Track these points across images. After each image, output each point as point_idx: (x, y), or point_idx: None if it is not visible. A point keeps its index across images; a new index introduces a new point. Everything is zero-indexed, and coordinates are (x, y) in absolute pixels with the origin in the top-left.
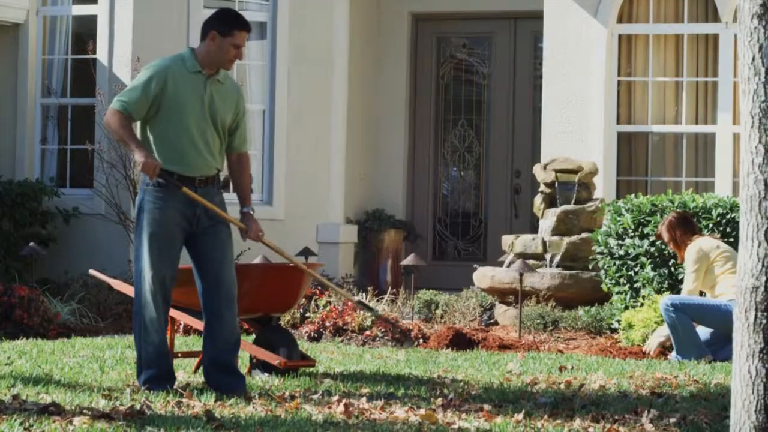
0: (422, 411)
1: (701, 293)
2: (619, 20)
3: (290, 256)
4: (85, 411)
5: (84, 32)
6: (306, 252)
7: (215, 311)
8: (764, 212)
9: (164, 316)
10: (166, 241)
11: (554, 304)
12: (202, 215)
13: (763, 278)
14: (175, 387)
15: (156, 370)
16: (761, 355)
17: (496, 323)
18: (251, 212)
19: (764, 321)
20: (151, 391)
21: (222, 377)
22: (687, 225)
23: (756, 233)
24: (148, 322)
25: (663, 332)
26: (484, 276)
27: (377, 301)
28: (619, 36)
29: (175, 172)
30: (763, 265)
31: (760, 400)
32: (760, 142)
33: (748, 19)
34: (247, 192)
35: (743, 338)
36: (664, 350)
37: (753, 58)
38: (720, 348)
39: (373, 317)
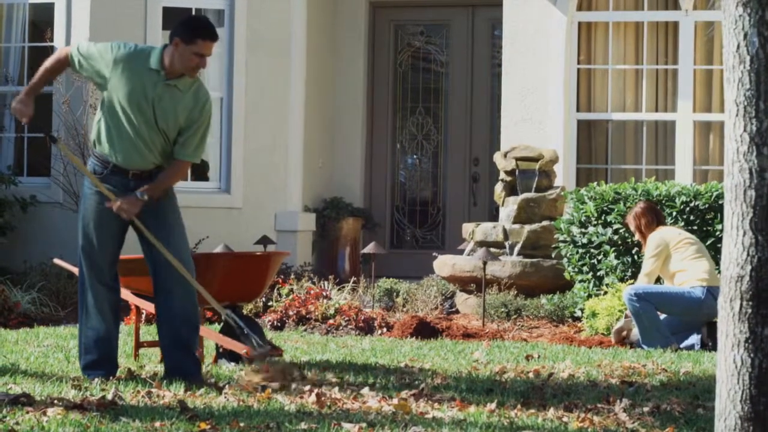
0: (395, 401)
1: (658, 280)
2: (579, 8)
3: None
4: (56, 402)
5: (41, 20)
6: (265, 240)
7: (164, 289)
8: (749, 201)
9: (108, 302)
10: (99, 225)
11: (516, 292)
12: None
13: (748, 267)
14: (117, 376)
15: (94, 356)
16: (746, 344)
17: (457, 312)
18: (138, 196)
19: (749, 310)
20: (90, 378)
21: (177, 356)
22: (653, 215)
23: (741, 222)
24: (90, 307)
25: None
26: (444, 264)
27: (338, 289)
28: (579, 23)
29: (110, 162)
30: (748, 254)
31: (746, 389)
32: (744, 130)
33: (732, 6)
34: (157, 184)
35: (728, 328)
36: (623, 341)
37: (738, 46)
38: (683, 336)
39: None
